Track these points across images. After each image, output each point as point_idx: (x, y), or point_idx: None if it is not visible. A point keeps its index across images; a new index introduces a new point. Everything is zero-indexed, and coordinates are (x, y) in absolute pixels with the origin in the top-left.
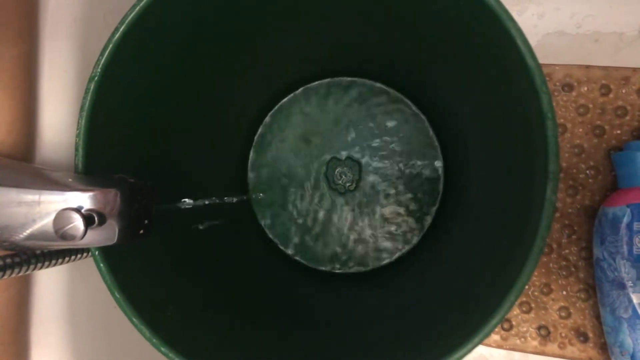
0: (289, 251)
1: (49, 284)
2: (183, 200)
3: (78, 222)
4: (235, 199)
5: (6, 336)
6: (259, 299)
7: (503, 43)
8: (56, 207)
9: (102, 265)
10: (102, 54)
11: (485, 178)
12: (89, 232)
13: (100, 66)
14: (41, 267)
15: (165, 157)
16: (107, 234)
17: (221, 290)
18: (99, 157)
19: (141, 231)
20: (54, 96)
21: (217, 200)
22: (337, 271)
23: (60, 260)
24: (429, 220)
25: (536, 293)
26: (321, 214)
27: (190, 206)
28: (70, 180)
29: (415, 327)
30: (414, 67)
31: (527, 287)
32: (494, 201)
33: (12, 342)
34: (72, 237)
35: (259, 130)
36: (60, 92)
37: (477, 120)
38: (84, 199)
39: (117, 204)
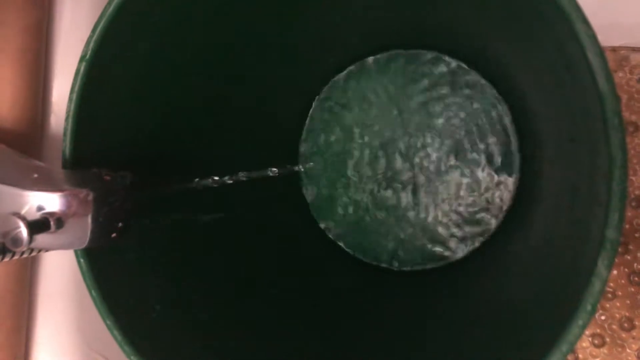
0: (332, 236)
1: (56, 260)
2: (202, 179)
3: (23, 229)
4: (279, 171)
5: (2, 310)
6: (287, 292)
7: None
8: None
9: (82, 260)
10: (93, 30)
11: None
12: (51, 236)
13: (92, 43)
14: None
15: (181, 134)
16: (77, 236)
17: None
18: (93, 143)
19: (114, 234)
20: (68, 68)
21: (258, 175)
22: (394, 268)
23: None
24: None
25: (614, 326)
26: (380, 201)
27: (211, 185)
28: (48, 175)
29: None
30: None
31: (603, 318)
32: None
33: (7, 316)
34: (19, 244)
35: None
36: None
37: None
38: (50, 200)
39: (89, 205)
